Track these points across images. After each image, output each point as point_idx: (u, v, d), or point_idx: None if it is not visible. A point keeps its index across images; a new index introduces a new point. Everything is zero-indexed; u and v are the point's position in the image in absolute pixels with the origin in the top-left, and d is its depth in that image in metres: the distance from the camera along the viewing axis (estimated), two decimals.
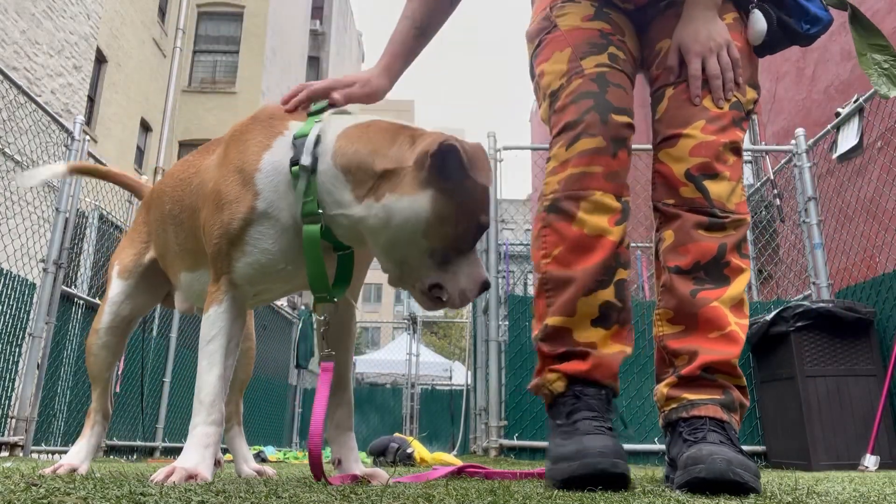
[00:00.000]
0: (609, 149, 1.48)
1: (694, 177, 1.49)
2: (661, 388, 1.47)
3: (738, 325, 1.45)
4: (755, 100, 1.61)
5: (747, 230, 1.52)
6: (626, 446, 4.78)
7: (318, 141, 1.29)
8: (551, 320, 1.48)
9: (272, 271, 1.34)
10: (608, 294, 1.46)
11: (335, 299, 1.35)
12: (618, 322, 1.48)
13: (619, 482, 1.26)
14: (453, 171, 1.20)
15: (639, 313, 4.43)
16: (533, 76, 1.71)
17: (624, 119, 1.52)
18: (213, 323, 1.34)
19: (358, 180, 1.25)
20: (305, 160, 1.27)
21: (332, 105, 1.45)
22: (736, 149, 1.51)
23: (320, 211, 1.27)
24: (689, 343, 1.45)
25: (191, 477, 1.19)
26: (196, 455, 1.24)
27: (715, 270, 1.46)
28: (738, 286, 1.47)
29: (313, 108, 1.39)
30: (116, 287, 1.72)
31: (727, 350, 1.42)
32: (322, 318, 1.38)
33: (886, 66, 1.92)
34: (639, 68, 1.72)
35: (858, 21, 1.95)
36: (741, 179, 1.52)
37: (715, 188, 1.48)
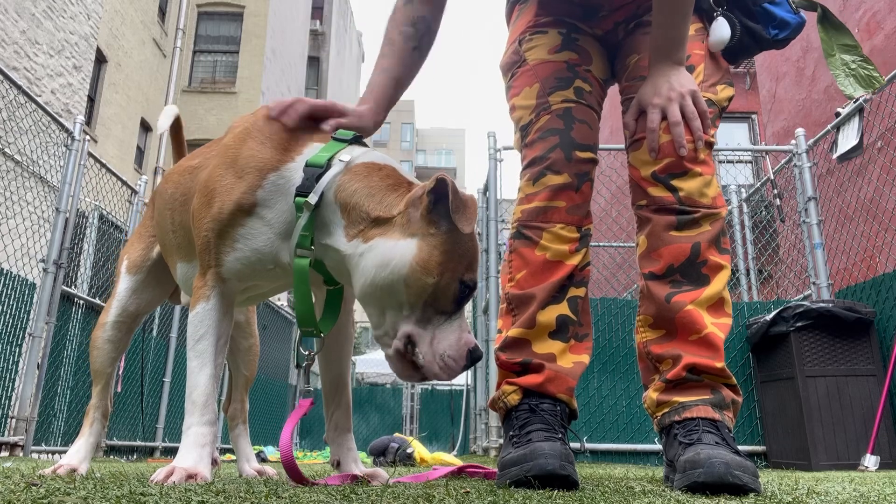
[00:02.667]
0: (573, 184, 1.57)
1: (661, 177, 1.50)
2: (651, 394, 1.48)
3: (717, 326, 1.45)
4: (730, 97, 1.63)
5: (724, 224, 1.52)
6: (627, 446, 4.74)
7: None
8: (512, 332, 1.54)
9: (261, 269, 1.32)
10: (562, 308, 1.53)
11: (322, 335, 1.31)
12: (574, 336, 1.55)
13: (567, 484, 1.27)
14: (443, 215, 1.15)
15: (632, 307, 4.44)
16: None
17: (587, 155, 1.59)
18: (202, 321, 1.30)
19: (352, 220, 1.22)
20: (313, 199, 1.22)
21: (357, 135, 1.37)
22: (709, 143, 1.53)
23: (312, 247, 1.24)
24: (671, 347, 1.46)
25: (190, 477, 1.19)
26: (194, 454, 1.23)
27: (692, 271, 1.47)
28: (717, 285, 1.47)
29: (339, 134, 1.34)
30: (125, 282, 1.71)
31: (708, 354, 1.43)
32: (307, 352, 1.34)
33: (854, 66, 1.93)
34: (611, 81, 1.78)
35: (828, 20, 1.96)
36: (714, 174, 1.53)
37: (685, 185, 1.49)
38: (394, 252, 1.16)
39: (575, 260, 1.56)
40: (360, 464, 1.48)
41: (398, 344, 1.17)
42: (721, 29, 1.63)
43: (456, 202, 1.14)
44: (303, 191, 1.24)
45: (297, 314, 1.27)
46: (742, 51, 1.68)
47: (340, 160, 1.26)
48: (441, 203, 1.16)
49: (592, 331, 1.62)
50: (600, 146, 5.86)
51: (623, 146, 1.71)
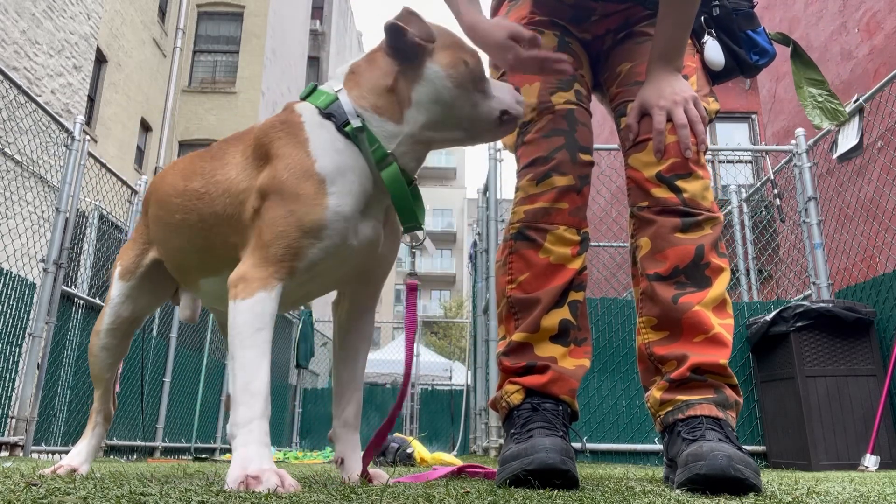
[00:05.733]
0: (576, 186, 1.58)
1: (665, 178, 1.51)
2: (654, 394, 1.48)
3: (723, 326, 1.46)
4: (717, 110, 1.69)
5: (722, 229, 1.55)
6: (627, 446, 4.74)
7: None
8: (516, 336, 1.55)
9: (342, 252, 1.30)
10: (564, 312, 1.54)
11: (423, 226, 1.38)
12: (574, 341, 1.56)
13: (567, 479, 1.27)
14: (411, 42, 1.33)
15: (632, 307, 4.44)
16: None
17: (588, 158, 1.61)
18: (263, 311, 1.22)
19: (383, 108, 1.34)
20: (356, 121, 1.32)
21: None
22: (705, 150, 1.56)
23: (389, 152, 1.33)
24: (676, 348, 1.46)
25: (256, 480, 1.06)
26: (260, 453, 1.11)
27: (696, 273, 1.48)
28: (719, 287, 1.49)
29: (302, 94, 1.42)
30: (117, 288, 1.69)
31: (715, 353, 1.43)
32: (412, 244, 1.43)
33: (821, 99, 2.09)
34: (593, 90, 1.80)
35: (798, 56, 2.10)
36: (710, 180, 1.57)
37: (689, 186, 1.51)
38: (430, 90, 1.35)
39: (577, 264, 1.57)
40: (360, 464, 1.47)
41: (496, 120, 1.41)
42: (715, 54, 1.70)
43: (414, 32, 1.33)
44: (342, 122, 1.33)
45: (399, 211, 1.34)
46: (724, 73, 1.75)
47: (336, 90, 1.38)
48: (398, 36, 1.33)
49: (591, 335, 1.63)
50: (601, 146, 5.87)
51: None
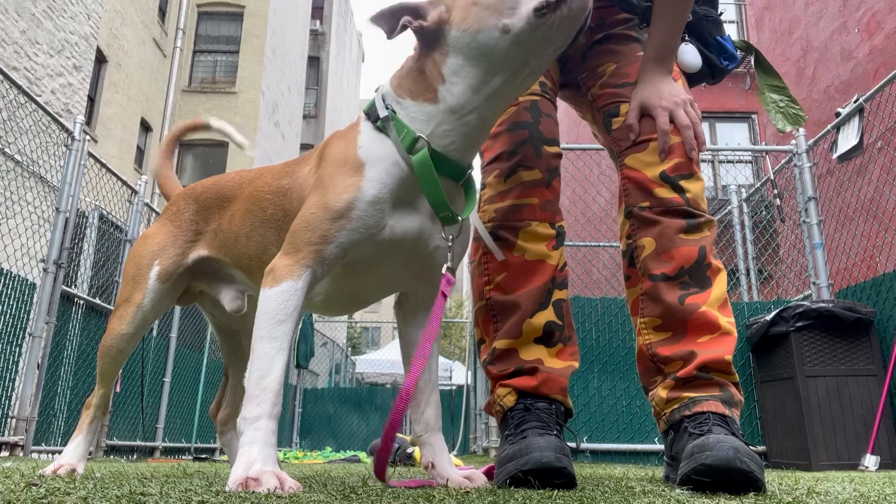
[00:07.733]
0: (544, 179, 1.57)
1: (670, 178, 1.52)
2: (659, 392, 1.48)
3: (729, 324, 1.48)
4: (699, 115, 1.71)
5: (716, 231, 1.57)
6: (627, 446, 4.74)
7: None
8: (499, 343, 1.54)
9: (374, 238, 1.25)
10: (549, 314, 1.54)
11: (460, 218, 1.30)
12: (560, 340, 1.55)
13: (563, 477, 1.27)
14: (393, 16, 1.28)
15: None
16: None
17: (554, 149, 1.60)
18: (287, 301, 1.18)
19: (417, 91, 1.29)
20: (384, 112, 1.30)
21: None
22: (702, 150, 1.59)
23: (420, 135, 1.26)
24: (681, 347, 1.46)
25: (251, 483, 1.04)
26: (264, 454, 1.08)
27: (698, 273, 1.49)
28: (719, 286, 1.50)
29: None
30: (152, 291, 1.60)
31: (721, 347, 1.44)
32: (448, 237, 1.31)
33: (783, 104, 2.19)
34: (558, 90, 1.80)
35: (761, 64, 2.19)
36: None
37: (692, 187, 1.52)
38: (459, 55, 1.26)
39: (554, 259, 1.57)
40: (454, 467, 1.40)
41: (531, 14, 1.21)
42: (693, 57, 1.72)
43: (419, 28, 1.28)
44: (375, 116, 1.32)
45: (430, 200, 1.26)
46: (696, 78, 1.77)
47: (376, 89, 1.37)
48: (388, 18, 1.28)
49: (575, 333, 1.63)
50: (601, 146, 5.86)
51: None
